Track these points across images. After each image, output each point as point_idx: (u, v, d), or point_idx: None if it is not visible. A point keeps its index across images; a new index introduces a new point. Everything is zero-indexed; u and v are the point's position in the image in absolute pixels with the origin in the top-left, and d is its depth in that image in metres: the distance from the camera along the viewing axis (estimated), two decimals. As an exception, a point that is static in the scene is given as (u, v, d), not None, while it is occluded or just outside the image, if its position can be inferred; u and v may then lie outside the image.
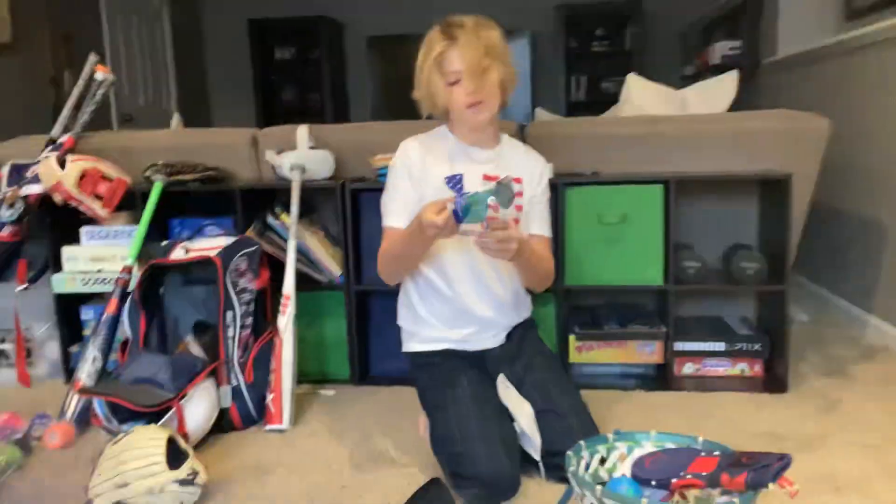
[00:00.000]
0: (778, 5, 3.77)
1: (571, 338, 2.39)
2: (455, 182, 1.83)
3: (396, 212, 1.83)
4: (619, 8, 5.86)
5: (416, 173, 1.84)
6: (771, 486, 1.29)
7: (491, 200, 1.57)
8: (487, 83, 1.78)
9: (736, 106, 2.85)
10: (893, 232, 2.71)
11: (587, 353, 2.39)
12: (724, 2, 4.71)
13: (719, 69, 4.09)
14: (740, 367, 2.41)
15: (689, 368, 2.41)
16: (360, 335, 2.44)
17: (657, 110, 2.78)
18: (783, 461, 1.33)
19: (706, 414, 2.12)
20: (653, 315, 2.47)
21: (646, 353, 2.38)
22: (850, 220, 3.08)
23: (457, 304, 1.87)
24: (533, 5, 6.06)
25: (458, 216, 1.59)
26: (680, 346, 2.38)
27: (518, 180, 1.78)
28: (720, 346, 2.39)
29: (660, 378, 2.38)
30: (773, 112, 2.55)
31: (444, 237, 1.69)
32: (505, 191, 1.60)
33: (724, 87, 2.80)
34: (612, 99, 3.34)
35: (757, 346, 2.38)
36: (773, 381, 2.34)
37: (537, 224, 1.93)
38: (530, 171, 1.93)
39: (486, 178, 1.82)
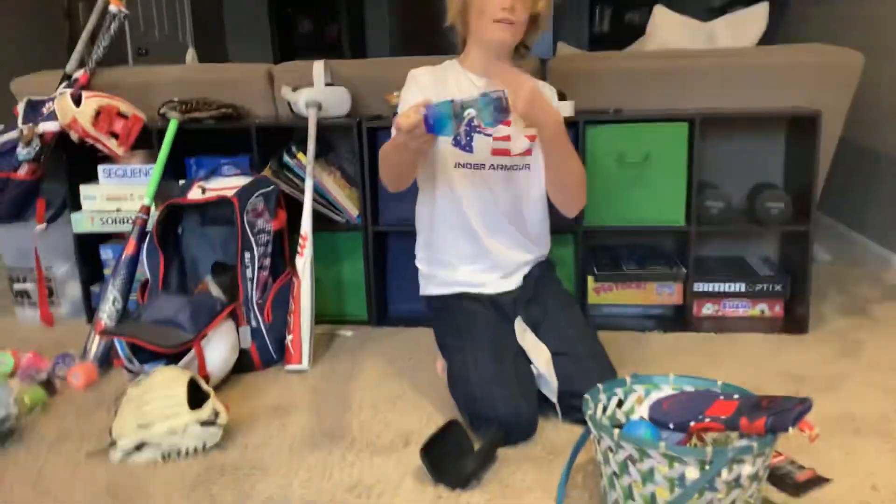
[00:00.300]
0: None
1: (590, 279, 2.37)
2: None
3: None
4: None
5: (429, 94, 1.78)
6: (791, 430, 1.28)
7: (466, 113, 1.46)
8: (526, 4, 1.72)
9: (767, 39, 2.75)
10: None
11: (605, 295, 2.38)
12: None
13: (748, 1, 3.95)
14: (760, 308, 2.39)
15: (708, 309, 2.40)
16: (378, 276, 2.43)
17: (684, 44, 2.69)
18: (804, 405, 1.32)
19: (725, 355, 2.11)
20: (672, 256, 2.45)
21: (665, 293, 2.36)
22: (876, 158, 3.00)
23: (473, 238, 1.85)
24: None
25: (429, 124, 1.48)
26: (699, 286, 2.36)
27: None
28: (740, 286, 2.37)
29: (679, 319, 2.37)
30: (805, 46, 2.46)
31: (420, 145, 1.58)
32: (488, 104, 1.48)
33: (754, 19, 2.70)
34: (638, 31, 3.24)
35: (778, 287, 2.36)
36: (794, 322, 2.32)
37: None
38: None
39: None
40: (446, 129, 1.47)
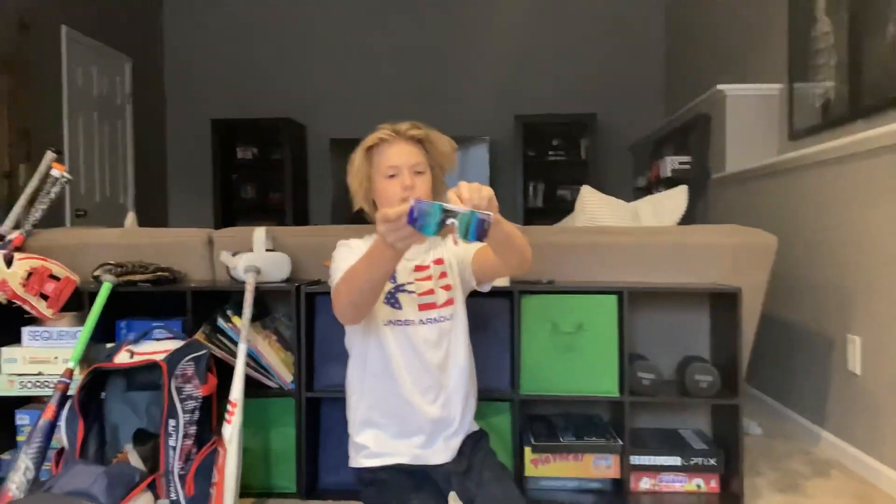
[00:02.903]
0: (725, 124, 3.95)
1: (527, 450, 2.34)
2: (390, 276, 1.83)
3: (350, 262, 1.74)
4: (576, 119, 6.08)
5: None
6: None
7: (450, 222, 1.43)
8: (425, 180, 1.82)
9: (687, 217, 2.93)
10: (840, 345, 2.76)
11: (543, 467, 2.34)
12: (674, 118, 4.92)
13: (670, 182, 4.25)
14: (696, 483, 2.38)
15: (645, 483, 2.38)
16: (310, 444, 2.36)
17: (610, 221, 2.84)
18: None
19: (663, 532, 2.07)
20: (609, 427, 2.45)
21: (602, 467, 2.34)
22: (798, 332, 3.13)
23: (404, 401, 1.82)
24: (493, 115, 6.29)
25: (413, 217, 1.44)
26: (636, 459, 2.35)
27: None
28: (676, 459, 2.37)
29: (617, 493, 2.33)
30: (723, 227, 2.62)
31: (398, 241, 1.51)
32: (473, 222, 1.43)
33: (675, 200, 2.89)
34: (569, 206, 3.41)
35: (712, 461, 2.36)
36: (730, 499, 2.31)
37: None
38: (454, 248, 1.93)
39: (418, 268, 1.86)
40: (428, 228, 1.44)
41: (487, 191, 1.48)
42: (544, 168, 6.26)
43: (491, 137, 6.20)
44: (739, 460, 2.28)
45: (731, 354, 2.32)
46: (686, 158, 4.42)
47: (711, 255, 2.50)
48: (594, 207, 2.86)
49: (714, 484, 2.38)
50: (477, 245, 1.91)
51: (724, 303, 2.38)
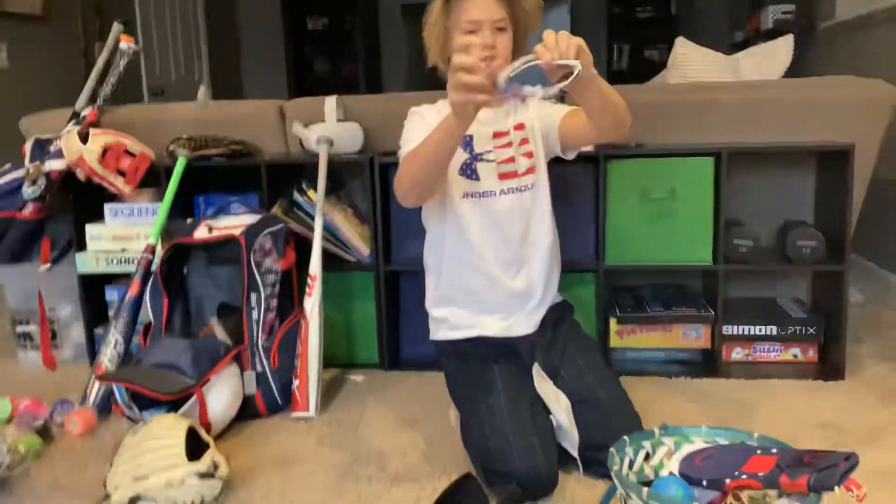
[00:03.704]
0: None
1: (612, 321, 2.26)
2: (466, 144, 1.74)
3: (417, 139, 1.65)
4: (665, -29, 5.62)
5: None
6: (837, 489, 1.17)
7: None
8: (503, 32, 1.67)
9: (790, 74, 2.67)
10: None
11: (629, 338, 2.27)
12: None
13: (772, 35, 3.89)
14: (793, 353, 2.27)
15: (738, 354, 2.28)
16: (390, 318, 2.34)
17: (708, 77, 2.61)
18: (850, 461, 1.20)
19: (758, 404, 1.98)
20: (700, 297, 2.34)
21: (692, 337, 2.25)
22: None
23: (485, 276, 1.75)
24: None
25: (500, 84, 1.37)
26: (728, 329, 2.25)
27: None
28: (771, 329, 2.25)
29: (707, 364, 2.25)
30: (837, 78, 2.38)
31: (468, 102, 1.41)
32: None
33: (779, 52, 2.62)
34: (657, 69, 3.17)
35: (811, 330, 2.24)
36: (829, 368, 2.20)
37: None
38: (537, 107, 1.81)
39: (497, 135, 1.75)
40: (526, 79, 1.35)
41: (577, 40, 1.34)
42: (631, 27, 5.85)
43: (572, -3, 5.82)
44: (843, 329, 2.14)
45: (839, 218, 2.14)
46: (790, 7, 4.03)
47: (822, 111, 2.26)
48: (689, 61, 2.62)
49: (812, 354, 2.27)
50: (566, 108, 1.76)
51: (832, 163, 2.18)
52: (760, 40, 4.18)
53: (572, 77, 1.34)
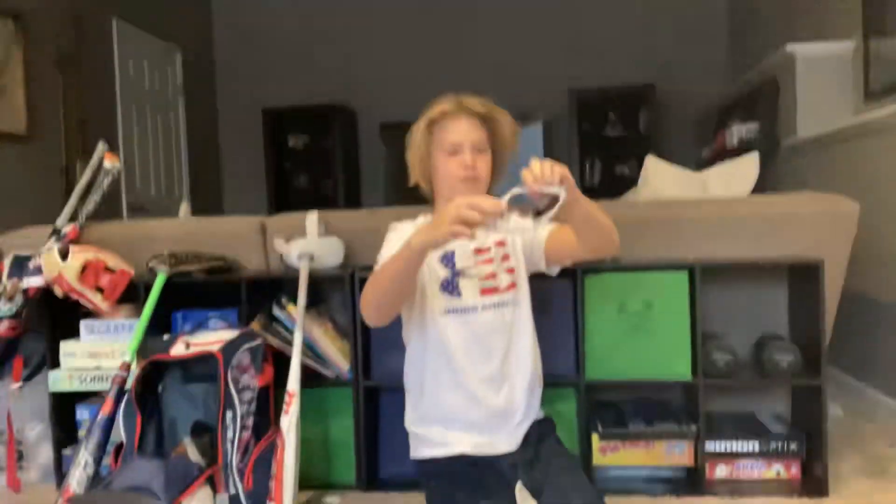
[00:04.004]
0: (795, 87, 3.73)
1: (594, 437, 2.23)
2: (447, 260, 1.77)
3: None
4: (633, 91, 5.85)
5: None
6: None
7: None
8: (484, 154, 1.77)
9: (756, 188, 2.76)
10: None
11: (612, 455, 2.23)
12: (740, 84, 4.69)
13: (737, 152, 4.05)
14: (776, 469, 2.24)
15: (721, 471, 2.25)
16: (369, 435, 2.30)
17: (677, 193, 2.69)
18: None
19: (745, 523, 1.95)
20: (681, 412, 2.32)
21: (675, 454, 2.22)
22: (879, 307, 2.94)
23: (466, 392, 1.74)
24: (545, 89, 6.06)
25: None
26: (711, 446, 2.22)
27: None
28: (754, 445, 2.23)
29: (691, 482, 2.21)
30: (801, 195, 2.47)
31: (458, 231, 1.45)
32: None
33: (746, 169, 2.72)
34: (627, 184, 3.27)
35: (793, 446, 2.22)
36: (813, 485, 2.17)
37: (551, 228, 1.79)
38: (516, 222, 1.86)
39: (478, 251, 1.78)
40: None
41: (560, 168, 1.42)
42: (601, 144, 6.03)
43: (544, 115, 6.03)
44: (823, 445, 2.13)
45: (813, 331, 2.17)
46: (754, 125, 4.20)
47: (789, 226, 2.33)
48: (660, 178, 2.71)
49: (795, 470, 2.24)
50: (551, 225, 1.81)
51: (804, 276, 2.23)
52: (726, 156, 4.32)
53: (558, 205, 1.41)
